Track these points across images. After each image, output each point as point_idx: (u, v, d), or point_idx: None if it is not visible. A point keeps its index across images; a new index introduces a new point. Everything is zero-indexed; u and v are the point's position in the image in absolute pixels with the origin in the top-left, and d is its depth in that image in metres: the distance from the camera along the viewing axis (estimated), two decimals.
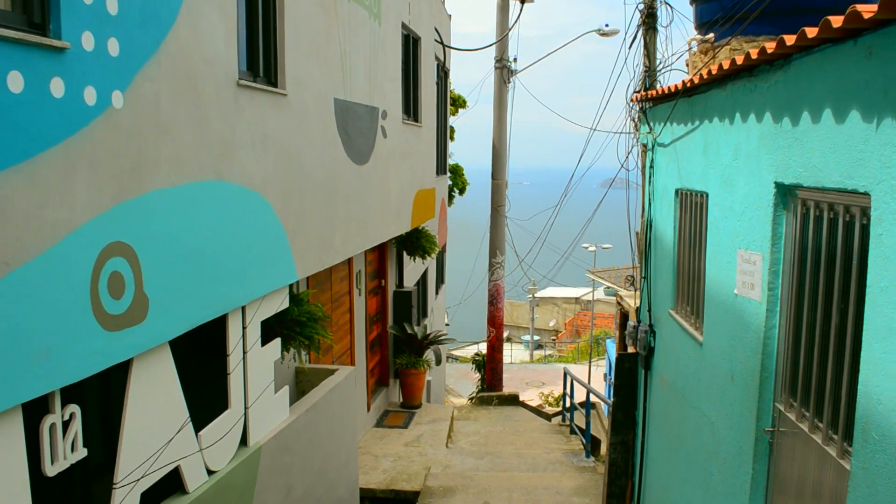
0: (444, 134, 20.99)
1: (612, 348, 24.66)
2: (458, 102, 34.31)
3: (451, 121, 35.50)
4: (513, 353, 44.60)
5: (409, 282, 13.58)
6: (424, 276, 17.16)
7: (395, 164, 9.71)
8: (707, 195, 5.35)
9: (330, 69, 6.92)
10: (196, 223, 4.46)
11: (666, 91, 6.22)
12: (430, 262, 18.05)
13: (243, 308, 5.30)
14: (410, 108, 11.01)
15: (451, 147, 43.48)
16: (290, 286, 6.63)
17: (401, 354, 12.27)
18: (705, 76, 4.98)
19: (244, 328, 5.34)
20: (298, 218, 6.13)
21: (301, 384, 8.05)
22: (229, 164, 4.86)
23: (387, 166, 9.21)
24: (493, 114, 14.53)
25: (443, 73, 20.24)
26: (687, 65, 6.93)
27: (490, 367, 15.38)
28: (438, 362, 12.07)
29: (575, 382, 12.98)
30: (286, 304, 6.10)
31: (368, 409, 11.12)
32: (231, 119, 4.88)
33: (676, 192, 6.23)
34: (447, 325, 24.63)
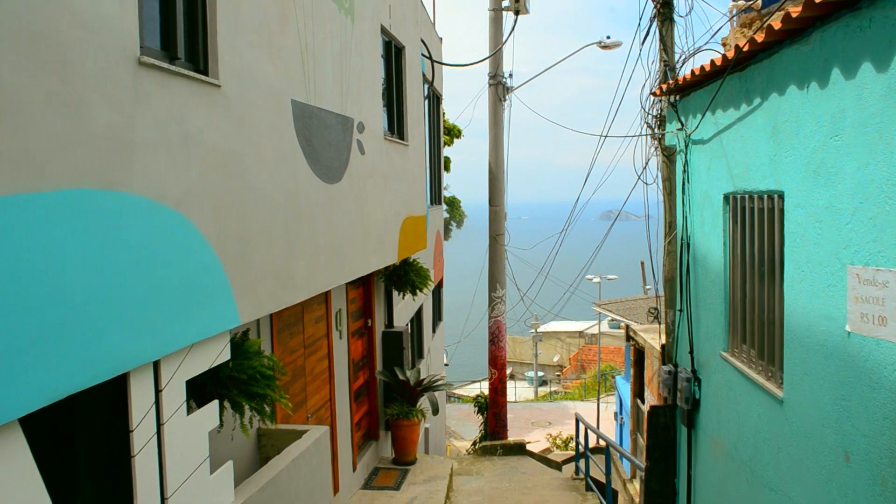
0: (437, 162, 19.81)
1: (622, 386, 23.16)
2: (454, 132, 33.29)
3: (447, 151, 34.49)
4: (517, 391, 43.01)
5: (401, 321, 12.23)
6: (419, 313, 15.80)
7: (376, 186, 8.42)
8: (782, 195, 4.02)
9: (286, 64, 5.65)
10: (67, 247, 3.14)
11: (707, 69, 4.93)
12: (426, 299, 16.70)
13: (156, 364, 3.95)
14: (394, 123, 9.77)
15: (448, 179, 42.28)
16: (240, 332, 5.31)
17: (392, 403, 10.87)
18: (776, 27, 3.65)
19: (158, 392, 3.98)
20: (242, 245, 4.81)
21: (264, 449, 6.67)
22: (125, 169, 3.56)
23: (365, 187, 7.93)
24: (489, 134, 13.33)
25: (434, 98, 19.15)
26: (724, 45, 5.68)
27: (493, 413, 13.96)
28: (435, 412, 10.68)
29: (589, 430, 11.53)
30: (226, 356, 4.75)
31: (354, 469, 9.68)
32: (127, 109, 3.58)
33: (726, 197, 4.92)
34: (446, 364, 23.18)
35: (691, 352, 5.89)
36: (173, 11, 4.21)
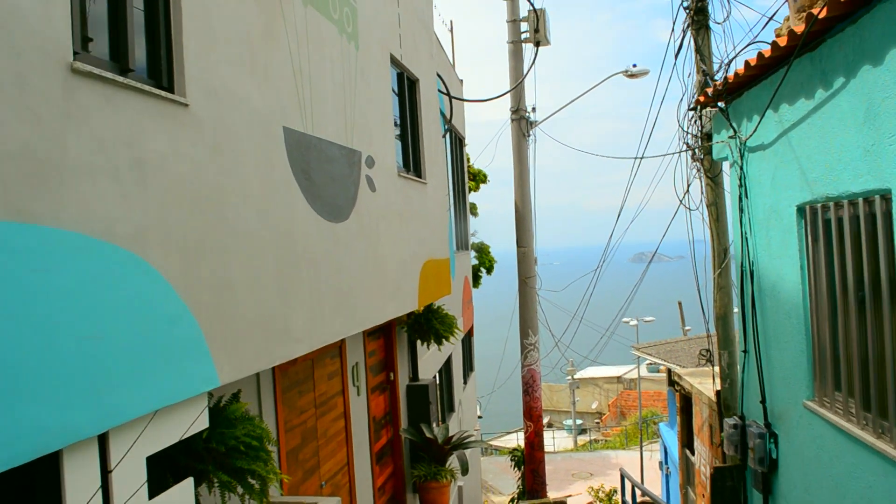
0: (462, 206, 19.18)
1: (667, 434, 21.91)
2: (479, 178, 32.74)
3: (473, 197, 33.86)
4: (555, 441, 41.57)
5: (427, 373, 11.41)
6: (448, 364, 14.96)
7: (391, 226, 7.72)
8: (888, 194, 3.19)
9: (275, 87, 5.00)
10: None
11: (766, 55, 4.15)
12: (455, 349, 15.87)
13: (102, 438, 3.20)
14: (410, 160, 9.10)
15: (475, 224, 41.40)
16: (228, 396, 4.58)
17: (418, 464, 9.99)
18: None
19: (106, 473, 3.22)
20: (220, 291, 4.09)
21: None
22: (51, 198, 2.87)
23: (378, 227, 7.22)
24: (514, 171, 12.64)
25: (457, 140, 18.62)
26: (778, 36, 4.93)
27: (530, 469, 12.99)
28: (465, 471, 9.79)
29: (636, 488, 10.48)
30: (203, 424, 3.99)
31: None
32: (54, 125, 2.91)
33: (800, 209, 4.09)
34: (480, 416, 22.18)
35: (763, 401, 4.95)
36: (123, 17, 3.56)
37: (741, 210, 4.98)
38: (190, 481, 3.89)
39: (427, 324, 9.97)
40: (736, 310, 6.72)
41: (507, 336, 18.62)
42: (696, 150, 6.54)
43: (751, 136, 4.66)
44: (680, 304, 33.91)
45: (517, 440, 33.85)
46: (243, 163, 4.46)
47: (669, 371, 23.09)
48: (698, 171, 6.89)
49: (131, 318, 3.31)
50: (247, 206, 4.49)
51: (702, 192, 6.90)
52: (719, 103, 5.28)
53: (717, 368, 6.81)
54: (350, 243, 6.30)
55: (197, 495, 4.21)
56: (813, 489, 4.12)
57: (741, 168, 4.93)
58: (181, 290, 3.70)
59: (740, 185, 4.93)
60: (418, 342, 10.47)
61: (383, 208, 7.45)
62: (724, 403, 6.88)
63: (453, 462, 10.20)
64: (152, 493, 3.58)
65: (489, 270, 34.41)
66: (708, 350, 7.51)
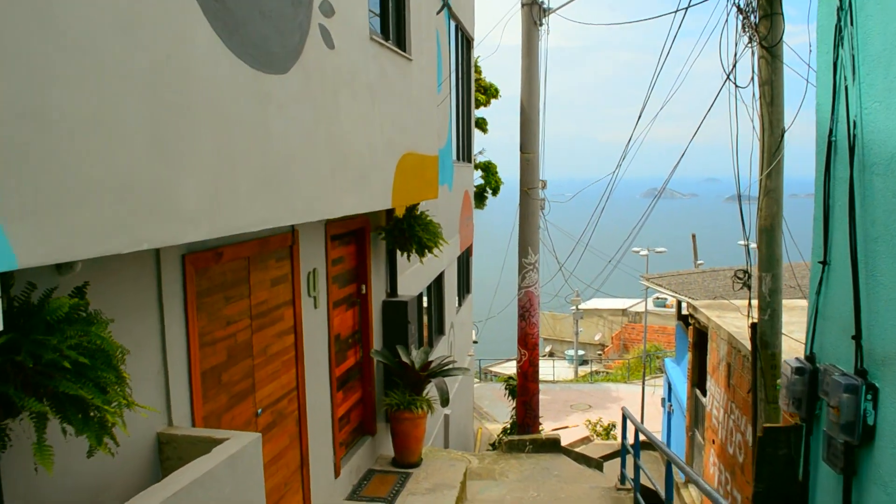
0: (467, 115, 17.53)
1: (672, 370, 20.68)
2: (490, 91, 30.79)
3: (483, 113, 31.97)
4: (555, 370, 40.73)
5: (408, 289, 10.03)
6: (439, 282, 13.59)
7: (357, 101, 6.19)
8: None
9: None
10: None
11: None
12: (449, 266, 14.49)
13: None
14: (391, 26, 7.49)
15: (484, 142, 39.62)
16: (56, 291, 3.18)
17: (392, 390, 8.71)
18: None
19: None
20: (22, 127, 2.62)
21: (168, 463, 4.54)
22: None
23: (336, 97, 5.69)
24: (521, 65, 10.98)
25: (465, 40, 16.84)
26: None
27: (522, 402, 11.73)
28: (444, 402, 8.49)
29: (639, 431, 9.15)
30: None
31: (338, 474, 7.56)
32: None
33: None
34: (475, 342, 20.99)
35: (858, 337, 3.37)
36: None
37: (839, 45, 3.39)
38: None
39: (409, 230, 8.52)
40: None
41: (507, 253, 17.22)
42: (752, 7, 4.94)
43: None
44: (693, 236, 32.40)
45: (517, 366, 32.95)
46: None
47: (679, 304, 21.69)
48: (751, 40, 5.29)
49: None
50: (95, 7, 2.98)
51: (753, 70, 5.32)
52: None
53: (755, 295, 5.38)
54: (287, 106, 4.78)
55: (3, 430, 2.86)
56: None
57: None
58: None
59: (841, 8, 3.35)
60: (398, 253, 9.04)
61: (346, 75, 5.90)
62: (762, 339, 5.48)
63: (432, 391, 8.91)
64: None
65: (495, 192, 32.80)
66: (744, 271, 5.98)
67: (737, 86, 5.01)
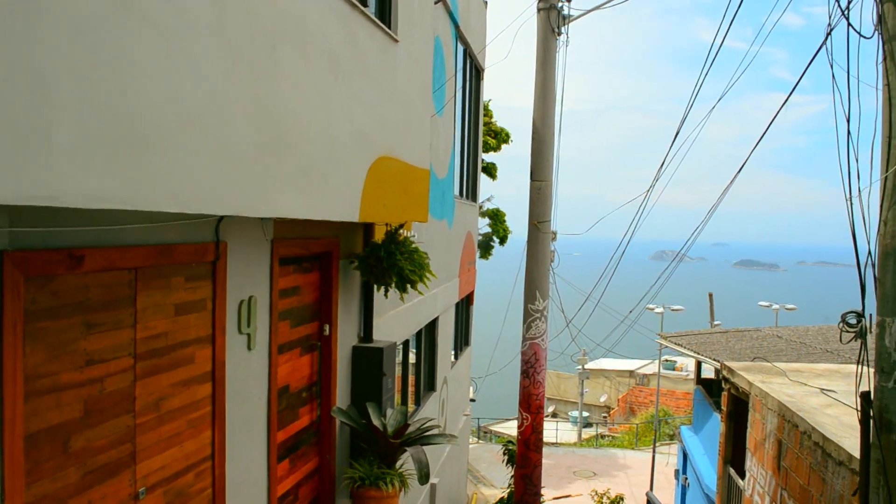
0: (474, 151, 16.03)
1: (690, 440, 18.65)
2: (501, 136, 29.39)
3: (494, 158, 30.52)
4: (558, 433, 38.47)
5: (390, 334, 8.28)
6: (432, 330, 11.83)
7: (311, 71, 4.55)
8: None
9: None
10: None
11: None
12: (446, 313, 12.75)
13: None
14: None
15: (492, 189, 38.31)
16: None
17: (358, 460, 6.88)
18: None
19: None
20: None
21: None
22: None
23: (273, 50, 4.04)
24: (535, 79, 9.40)
25: (474, 69, 15.45)
26: None
27: (521, 475, 9.85)
28: (423, 479, 6.63)
29: None
30: None
31: None
32: None
33: None
34: (473, 400, 19.07)
35: None
36: None
37: None
38: None
39: (388, 259, 6.79)
40: None
41: (510, 304, 15.46)
42: None
43: None
44: (710, 295, 30.59)
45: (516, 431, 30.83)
46: None
47: (699, 366, 19.78)
48: None
49: None
50: None
51: (878, 17, 3.64)
52: None
53: (870, 350, 3.66)
54: (173, 31, 3.11)
55: None
56: None
57: None
58: None
59: None
60: (375, 288, 7.31)
61: (292, 27, 4.26)
62: (881, 416, 3.73)
63: (407, 462, 7.08)
64: None
65: (503, 241, 31.14)
66: (857, 314, 4.17)
67: (860, 34, 3.37)
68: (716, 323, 28.10)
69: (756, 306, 37.02)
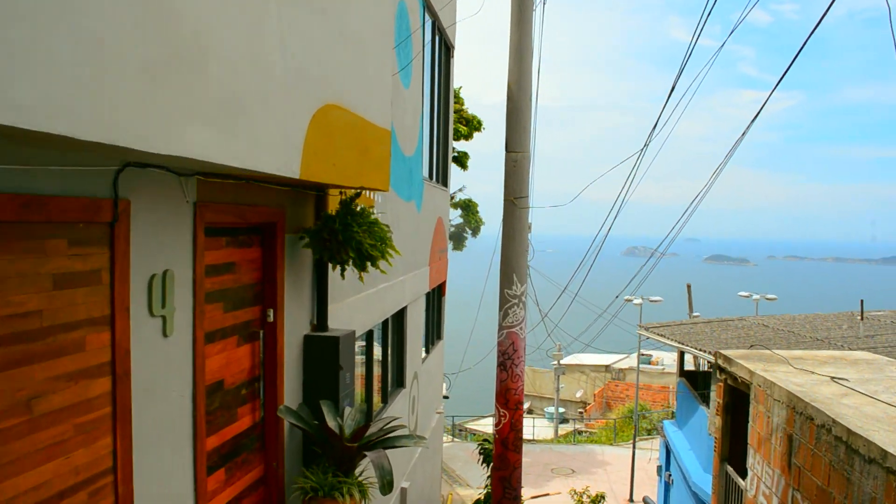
0: (444, 132, 15.11)
1: (674, 435, 17.87)
2: (473, 124, 28.44)
3: (466, 146, 29.56)
4: (535, 429, 37.68)
5: (350, 322, 7.32)
6: (400, 321, 10.88)
7: None
8: None
9: None
10: None
11: None
12: (415, 303, 11.80)
13: None
14: None
15: (464, 179, 37.74)
16: None
17: (311, 467, 5.90)
18: None
19: None
20: None
21: None
22: None
23: None
24: (510, 40, 8.46)
25: (444, 45, 14.55)
26: None
27: (500, 477, 8.91)
28: (385, 488, 5.64)
29: None
30: None
31: None
32: None
33: None
34: (446, 397, 18.13)
35: None
36: None
37: None
38: None
39: (344, 232, 5.82)
40: None
41: (483, 294, 14.55)
42: None
43: None
44: (689, 286, 29.92)
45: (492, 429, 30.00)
46: None
47: (682, 357, 19.00)
48: None
49: None
50: None
51: None
52: None
53: None
54: None
55: None
56: None
57: None
58: None
59: None
60: (331, 268, 6.33)
61: None
62: None
63: (369, 468, 6.11)
64: None
65: (475, 232, 30.28)
66: None
67: None
68: (695, 314, 27.44)
69: (732, 298, 36.56)
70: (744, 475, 8.24)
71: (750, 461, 7.91)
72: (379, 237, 6.00)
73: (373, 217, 6.10)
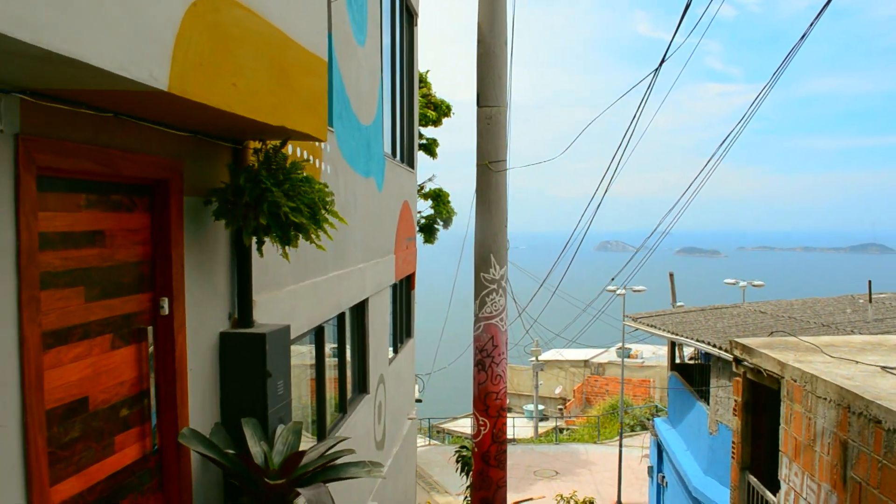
0: (409, 109, 13.65)
1: (667, 434, 16.53)
2: (441, 108, 26.96)
3: (434, 132, 28.04)
4: (515, 429, 36.29)
5: (287, 317, 5.80)
6: (360, 316, 9.38)
7: None
8: None
9: None
10: None
11: None
12: (379, 296, 10.28)
13: None
14: None
15: (434, 168, 35.91)
16: None
17: None
18: None
19: None
20: None
21: None
22: None
23: None
24: None
25: (405, 9, 13.12)
26: None
27: (481, 498, 7.42)
28: None
29: None
30: None
31: None
32: None
33: None
34: (419, 400, 16.62)
35: None
36: None
37: None
38: None
39: (252, 189, 4.30)
40: None
41: (455, 288, 13.18)
42: None
43: None
44: (671, 275, 28.72)
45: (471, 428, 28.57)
46: None
47: (673, 349, 17.71)
48: None
49: None
50: None
51: None
52: None
53: None
54: None
55: None
56: None
57: None
58: None
59: None
60: (245, 239, 4.80)
61: None
62: None
63: None
64: None
65: (446, 223, 28.73)
66: None
67: None
68: (678, 304, 26.27)
69: (709, 288, 35.60)
70: (774, 489, 6.85)
71: (784, 472, 6.52)
72: (309, 199, 4.49)
73: (303, 174, 4.59)
